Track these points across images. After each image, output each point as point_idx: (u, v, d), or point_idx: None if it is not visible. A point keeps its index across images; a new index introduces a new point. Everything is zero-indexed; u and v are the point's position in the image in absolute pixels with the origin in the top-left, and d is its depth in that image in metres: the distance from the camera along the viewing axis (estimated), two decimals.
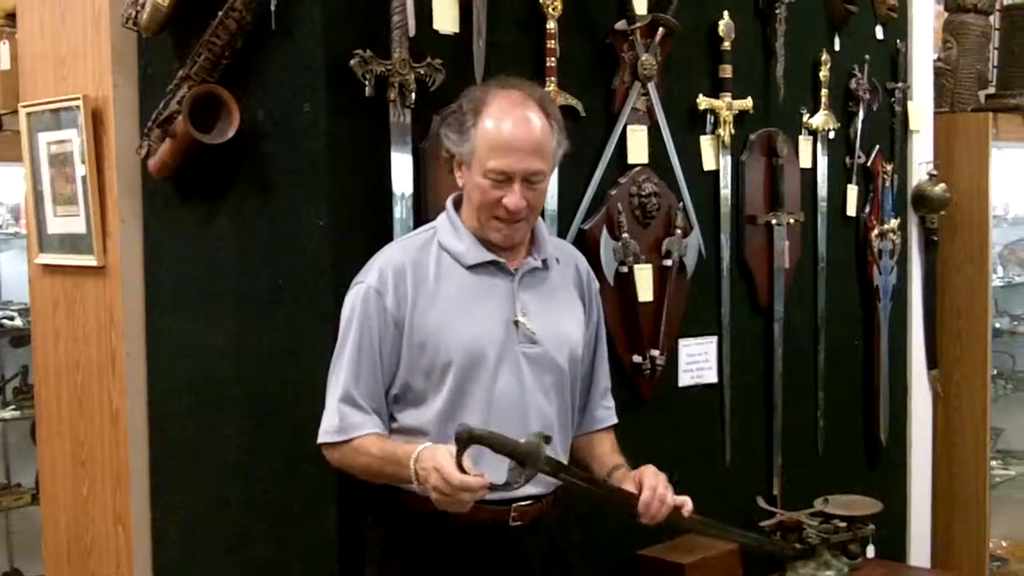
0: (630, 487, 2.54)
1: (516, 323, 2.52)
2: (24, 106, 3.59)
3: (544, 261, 2.61)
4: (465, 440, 2.24)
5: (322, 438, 2.51)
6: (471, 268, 2.53)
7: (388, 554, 2.56)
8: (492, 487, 2.28)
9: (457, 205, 2.60)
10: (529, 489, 2.47)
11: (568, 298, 2.68)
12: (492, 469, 2.32)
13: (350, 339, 2.50)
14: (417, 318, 2.48)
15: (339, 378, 2.50)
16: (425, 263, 2.53)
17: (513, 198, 2.45)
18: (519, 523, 2.52)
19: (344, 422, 2.48)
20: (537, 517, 2.56)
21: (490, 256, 2.53)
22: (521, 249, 2.60)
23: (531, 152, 2.45)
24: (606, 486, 2.57)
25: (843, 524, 3.78)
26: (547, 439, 2.35)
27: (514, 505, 2.50)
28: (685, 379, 3.61)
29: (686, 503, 2.58)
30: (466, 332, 2.47)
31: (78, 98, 3.33)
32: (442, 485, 2.25)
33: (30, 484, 4.89)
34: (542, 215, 3.04)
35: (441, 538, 2.48)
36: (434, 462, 2.28)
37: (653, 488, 2.51)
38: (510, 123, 2.44)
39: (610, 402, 2.82)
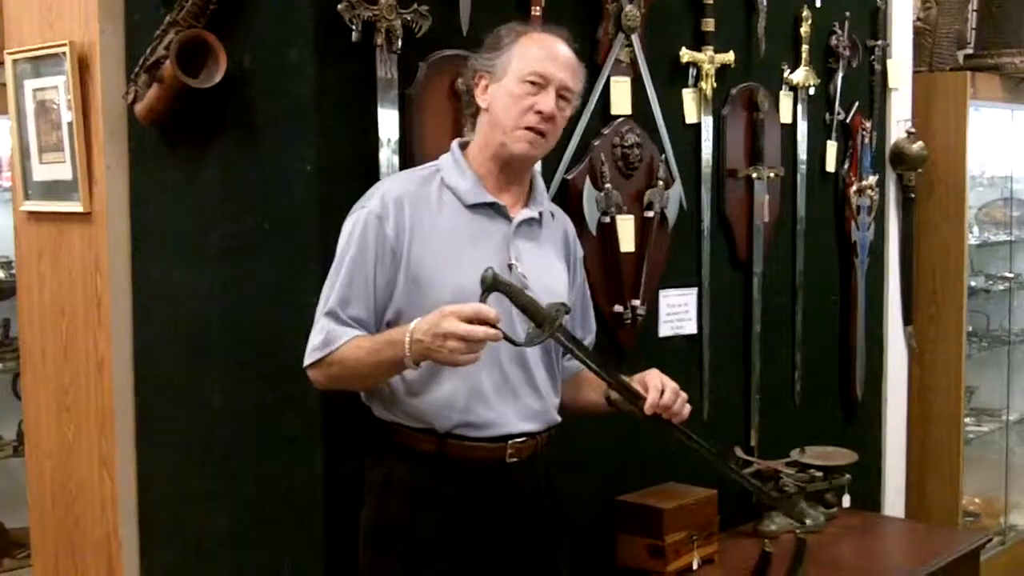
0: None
1: (510, 267, 2.54)
2: (10, 53, 3.58)
3: (540, 214, 2.66)
4: (489, 284, 2.32)
5: (308, 359, 2.50)
6: (471, 208, 2.56)
7: (387, 492, 2.57)
8: (505, 337, 2.32)
9: (463, 149, 2.63)
10: (523, 426, 2.56)
11: (556, 255, 2.73)
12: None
13: (346, 262, 2.50)
14: (415, 251, 2.49)
15: (328, 298, 2.50)
16: (426, 197, 2.55)
17: (548, 101, 2.51)
18: (515, 459, 2.56)
19: (329, 336, 2.48)
20: (532, 454, 2.60)
21: (491, 198, 2.57)
22: (520, 198, 2.64)
23: (568, 67, 2.57)
24: (615, 376, 2.57)
25: (819, 473, 3.85)
26: (567, 309, 2.44)
27: (510, 442, 2.55)
28: (665, 330, 3.64)
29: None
30: (459, 273, 2.46)
31: (64, 44, 3.33)
32: (451, 325, 2.26)
33: (12, 437, 4.91)
34: None
35: (439, 475, 2.53)
36: (440, 312, 2.30)
37: (659, 388, 2.52)
38: (552, 40, 2.59)
39: None
